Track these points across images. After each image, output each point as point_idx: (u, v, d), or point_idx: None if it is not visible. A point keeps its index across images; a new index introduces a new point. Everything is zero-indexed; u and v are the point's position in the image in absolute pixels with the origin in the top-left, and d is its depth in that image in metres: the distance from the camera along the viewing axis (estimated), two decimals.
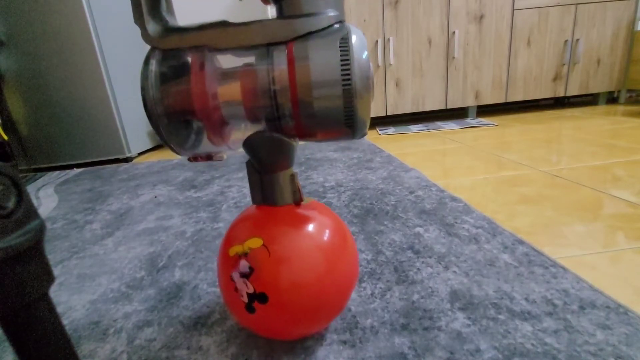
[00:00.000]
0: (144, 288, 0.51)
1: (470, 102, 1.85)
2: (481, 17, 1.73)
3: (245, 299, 0.31)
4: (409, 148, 1.33)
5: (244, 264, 0.31)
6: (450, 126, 1.71)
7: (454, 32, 1.73)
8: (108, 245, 0.67)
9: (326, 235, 0.33)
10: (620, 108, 1.83)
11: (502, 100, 1.86)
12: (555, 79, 1.86)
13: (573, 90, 1.88)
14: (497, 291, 0.43)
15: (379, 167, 1.04)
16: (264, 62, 0.29)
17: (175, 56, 0.30)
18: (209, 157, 0.35)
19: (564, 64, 1.84)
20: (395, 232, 0.61)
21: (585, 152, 1.04)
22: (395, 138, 1.57)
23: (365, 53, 0.28)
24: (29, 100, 1.55)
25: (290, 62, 0.28)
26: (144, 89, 0.30)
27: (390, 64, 1.75)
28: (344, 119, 0.29)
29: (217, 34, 0.29)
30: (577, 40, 1.80)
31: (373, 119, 2.24)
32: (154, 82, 0.30)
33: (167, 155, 1.72)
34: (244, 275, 0.31)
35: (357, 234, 0.61)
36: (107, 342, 0.41)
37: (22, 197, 0.21)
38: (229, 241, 0.34)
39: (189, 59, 0.30)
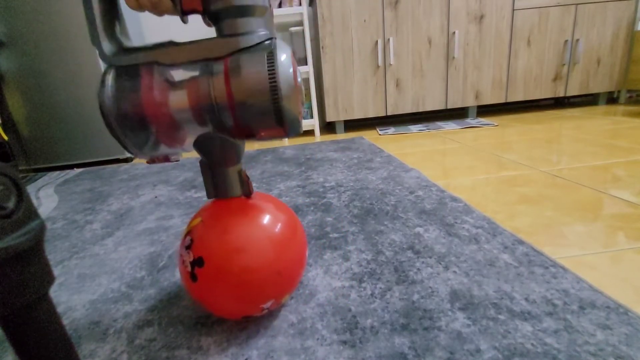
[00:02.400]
0: (144, 288, 0.51)
1: (470, 102, 1.85)
2: (481, 17, 1.74)
3: (189, 268, 0.36)
4: (409, 148, 1.33)
5: (187, 239, 0.38)
6: (450, 126, 1.71)
7: (454, 32, 1.73)
8: (108, 245, 0.67)
9: (262, 213, 0.38)
10: (620, 108, 1.83)
11: (502, 100, 1.86)
12: (555, 79, 1.86)
13: (573, 90, 1.88)
14: (497, 291, 0.43)
15: (379, 167, 1.04)
16: (206, 74, 0.34)
17: (129, 72, 0.35)
18: (166, 159, 0.40)
19: (564, 64, 1.84)
20: (395, 232, 0.61)
21: (585, 152, 1.04)
22: (395, 138, 1.57)
23: (290, 64, 0.33)
24: (29, 100, 1.55)
25: (226, 74, 0.33)
26: (101, 104, 0.34)
27: (390, 64, 1.75)
28: (274, 119, 0.34)
29: (165, 52, 0.34)
30: (577, 40, 1.80)
31: (373, 119, 2.24)
32: (110, 96, 0.34)
33: None
34: (188, 248, 0.37)
35: (357, 234, 0.61)
36: (107, 342, 0.41)
37: (22, 197, 0.21)
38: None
39: (141, 74, 0.34)
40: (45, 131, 1.59)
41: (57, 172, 1.50)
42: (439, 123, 1.84)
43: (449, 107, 1.85)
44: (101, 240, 0.70)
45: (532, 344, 0.34)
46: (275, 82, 0.32)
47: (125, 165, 1.48)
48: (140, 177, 1.22)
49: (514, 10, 1.74)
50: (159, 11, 0.35)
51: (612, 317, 0.37)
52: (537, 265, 0.47)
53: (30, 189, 1.24)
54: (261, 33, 0.34)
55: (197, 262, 0.36)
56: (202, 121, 0.35)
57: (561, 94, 1.88)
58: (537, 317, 0.38)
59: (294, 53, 0.34)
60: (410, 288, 0.45)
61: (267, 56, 0.32)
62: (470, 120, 1.82)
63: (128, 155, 1.66)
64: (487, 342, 0.35)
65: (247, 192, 0.39)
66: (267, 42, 0.34)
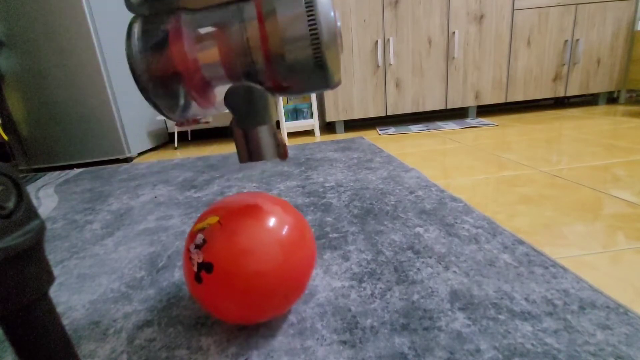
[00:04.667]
0: (144, 288, 0.51)
1: (470, 102, 1.85)
2: (481, 17, 1.73)
3: (195, 268, 0.35)
4: (409, 148, 1.33)
5: (199, 237, 0.35)
6: (450, 126, 1.71)
7: (454, 32, 1.73)
8: (108, 245, 0.67)
9: (278, 219, 0.36)
10: (620, 108, 1.83)
11: (502, 100, 1.86)
12: (555, 79, 1.86)
13: (573, 90, 1.88)
14: (497, 291, 0.43)
15: (379, 167, 1.04)
16: (236, 19, 0.30)
17: (156, 22, 0.32)
18: (195, 121, 0.37)
19: (564, 64, 1.84)
20: (395, 232, 0.61)
21: (585, 152, 1.04)
22: (395, 138, 1.57)
23: (330, 5, 0.29)
24: (29, 100, 1.55)
25: (260, 18, 0.29)
26: (129, 57, 0.31)
27: (390, 64, 1.75)
28: (314, 68, 0.30)
29: None
30: (577, 40, 1.80)
31: (373, 119, 2.24)
32: (139, 49, 0.31)
33: (167, 156, 1.72)
34: (198, 247, 0.35)
35: (357, 234, 0.61)
36: (107, 342, 0.41)
37: (22, 197, 0.21)
38: (196, 223, 0.38)
39: (168, 24, 0.31)
40: (45, 131, 1.59)
41: (57, 172, 1.50)
42: (439, 123, 1.84)
43: (449, 107, 1.85)
44: (101, 240, 0.70)
45: (532, 344, 0.34)
46: (315, 27, 0.28)
47: (125, 165, 1.48)
48: (140, 177, 1.22)
49: (514, 10, 1.74)
50: None
51: (612, 317, 0.37)
52: (537, 265, 0.47)
53: (30, 189, 1.24)
54: None
55: (206, 267, 0.34)
56: (233, 75, 0.32)
57: (561, 94, 1.88)
58: (537, 317, 0.38)
59: None
60: (410, 288, 0.45)
61: None
62: (470, 120, 1.82)
63: (128, 155, 1.66)
64: (487, 342, 0.35)
65: (283, 155, 0.35)
66: None
